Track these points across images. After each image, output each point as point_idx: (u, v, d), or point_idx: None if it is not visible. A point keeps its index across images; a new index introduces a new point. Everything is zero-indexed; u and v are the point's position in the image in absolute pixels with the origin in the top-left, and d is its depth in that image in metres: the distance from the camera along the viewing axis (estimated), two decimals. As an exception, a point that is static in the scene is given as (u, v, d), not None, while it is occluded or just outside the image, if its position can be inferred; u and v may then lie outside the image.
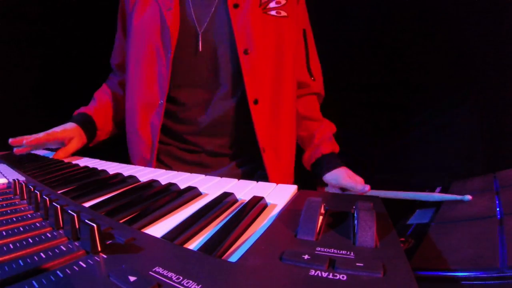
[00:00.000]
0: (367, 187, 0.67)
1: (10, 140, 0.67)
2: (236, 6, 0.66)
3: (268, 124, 0.70)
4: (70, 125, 0.73)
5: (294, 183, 0.79)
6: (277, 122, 0.72)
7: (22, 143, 0.66)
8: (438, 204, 0.61)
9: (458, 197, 0.58)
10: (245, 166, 0.76)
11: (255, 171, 0.76)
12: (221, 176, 0.47)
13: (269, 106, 0.70)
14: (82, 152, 0.74)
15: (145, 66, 0.69)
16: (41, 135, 0.68)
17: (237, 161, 0.76)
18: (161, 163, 0.76)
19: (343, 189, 0.73)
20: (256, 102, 0.68)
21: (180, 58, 0.68)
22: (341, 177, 0.71)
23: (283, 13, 0.71)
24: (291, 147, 0.78)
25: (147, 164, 0.72)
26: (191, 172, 0.50)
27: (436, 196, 0.62)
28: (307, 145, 0.81)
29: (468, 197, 0.56)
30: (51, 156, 0.74)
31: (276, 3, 0.70)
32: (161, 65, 0.68)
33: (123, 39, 0.79)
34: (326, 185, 0.77)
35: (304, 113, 0.81)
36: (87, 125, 0.76)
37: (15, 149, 0.68)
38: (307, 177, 0.81)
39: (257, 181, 0.44)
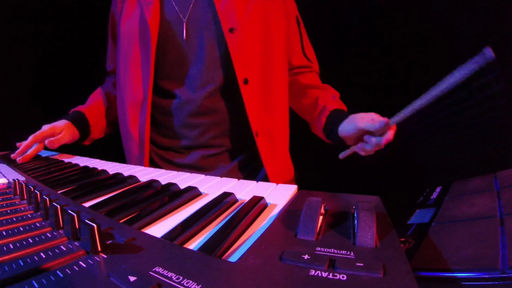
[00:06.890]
0: (385, 120, 0.59)
1: (12, 155, 0.71)
2: None
3: (260, 105, 0.69)
4: (60, 122, 0.74)
5: (294, 172, 0.79)
6: (268, 105, 0.70)
7: (18, 156, 0.70)
8: (438, 204, 0.61)
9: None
10: (242, 164, 0.74)
11: (255, 170, 0.74)
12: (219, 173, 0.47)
13: (260, 87, 0.68)
14: (82, 152, 0.74)
15: (132, 66, 0.69)
16: (28, 140, 0.70)
17: (233, 161, 0.73)
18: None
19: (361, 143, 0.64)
20: (246, 81, 0.66)
21: (164, 51, 0.67)
22: (357, 121, 0.64)
23: None
24: (285, 133, 0.77)
25: (138, 162, 0.71)
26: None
27: (457, 73, 0.48)
28: (312, 111, 0.77)
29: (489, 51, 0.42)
30: (51, 156, 0.75)
31: None
32: (144, 61, 0.67)
33: (113, 46, 0.80)
34: (344, 145, 0.69)
35: (307, 82, 0.80)
36: (79, 120, 0.77)
37: (18, 159, 0.70)
38: (307, 173, 0.80)
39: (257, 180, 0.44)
